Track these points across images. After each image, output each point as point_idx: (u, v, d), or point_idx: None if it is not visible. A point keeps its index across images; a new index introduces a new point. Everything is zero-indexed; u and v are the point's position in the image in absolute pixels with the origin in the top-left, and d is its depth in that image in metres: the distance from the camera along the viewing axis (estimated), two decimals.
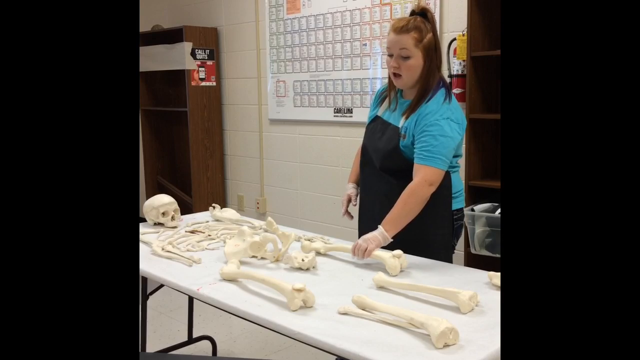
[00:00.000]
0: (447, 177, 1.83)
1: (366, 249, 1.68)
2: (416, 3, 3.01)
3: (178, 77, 4.30)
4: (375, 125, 1.96)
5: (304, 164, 3.74)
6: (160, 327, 3.02)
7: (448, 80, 2.57)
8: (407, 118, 1.83)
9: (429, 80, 1.80)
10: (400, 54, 1.77)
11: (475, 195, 2.56)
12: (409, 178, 1.78)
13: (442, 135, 1.74)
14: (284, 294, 1.38)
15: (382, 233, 1.71)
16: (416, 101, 1.82)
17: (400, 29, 1.77)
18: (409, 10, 2.99)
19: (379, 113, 1.97)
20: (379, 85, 3.21)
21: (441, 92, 1.82)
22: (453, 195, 1.89)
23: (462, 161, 1.99)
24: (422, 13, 1.80)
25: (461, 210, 1.95)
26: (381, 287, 1.49)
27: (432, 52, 1.78)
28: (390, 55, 1.81)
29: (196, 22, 4.27)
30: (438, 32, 1.86)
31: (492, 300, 1.38)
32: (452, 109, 1.79)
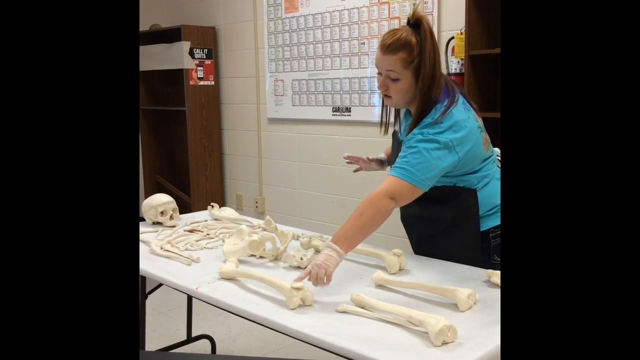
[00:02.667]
0: (472, 196, 1.66)
1: (325, 273, 1.42)
2: (414, 7, 3.00)
3: (176, 77, 4.30)
4: (393, 142, 1.87)
5: (303, 163, 3.74)
6: (159, 326, 3.02)
7: None
8: (407, 135, 1.65)
9: (427, 97, 1.60)
10: (389, 75, 1.61)
11: None
12: (424, 199, 1.60)
13: (418, 152, 1.54)
14: (282, 292, 1.38)
15: (335, 250, 1.45)
16: (416, 119, 1.63)
17: (387, 47, 1.58)
18: (407, 9, 3.00)
19: (396, 127, 1.85)
20: (377, 84, 3.21)
21: (439, 106, 1.59)
22: (487, 213, 1.69)
23: None
24: (416, 24, 1.58)
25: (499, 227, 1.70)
26: (380, 286, 1.49)
27: (426, 70, 1.57)
28: (380, 74, 1.65)
29: (194, 21, 4.26)
30: (436, 35, 1.66)
31: (490, 298, 1.38)
32: (442, 127, 1.56)
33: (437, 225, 1.74)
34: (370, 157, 1.97)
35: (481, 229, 1.70)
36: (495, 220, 1.70)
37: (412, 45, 1.56)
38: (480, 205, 1.68)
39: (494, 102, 2.67)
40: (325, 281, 1.42)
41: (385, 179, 1.56)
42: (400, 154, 1.60)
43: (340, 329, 1.23)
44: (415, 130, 1.60)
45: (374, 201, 1.52)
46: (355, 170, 2.04)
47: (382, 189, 1.53)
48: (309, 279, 1.43)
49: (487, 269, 1.63)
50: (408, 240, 1.94)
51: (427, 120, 1.59)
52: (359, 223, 1.50)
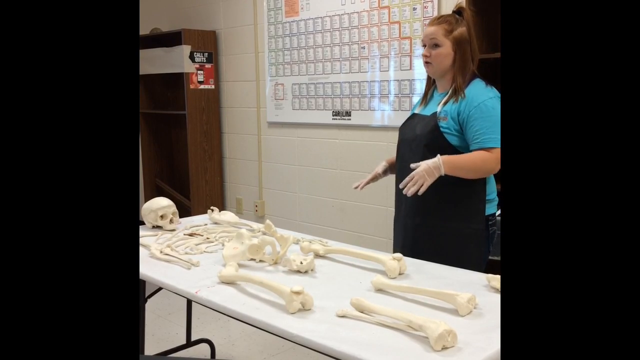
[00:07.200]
0: (481, 179, 1.89)
1: (422, 184, 1.73)
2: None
3: (177, 80, 4.30)
4: (411, 121, 2.04)
5: (303, 166, 3.74)
6: (159, 330, 3.02)
7: None
8: (444, 104, 1.91)
9: (461, 71, 1.90)
10: (431, 42, 1.91)
11: None
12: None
13: (491, 115, 1.81)
14: (282, 296, 1.38)
15: (438, 165, 1.74)
16: (452, 90, 1.91)
17: (433, 21, 1.95)
18: (407, 14, 3.01)
19: (416, 111, 2.06)
20: (377, 88, 3.21)
21: (478, 80, 1.91)
22: (490, 199, 1.93)
23: None
24: (458, 11, 1.95)
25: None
26: (379, 290, 1.49)
27: (463, 45, 1.89)
28: (424, 46, 1.95)
29: (195, 25, 4.27)
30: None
31: (490, 303, 1.38)
32: (495, 90, 1.89)
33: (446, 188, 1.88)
34: (380, 171, 2.17)
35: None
36: (492, 209, 1.94)
37: (452, 22, 1.90)
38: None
39: None
40: (418, 189, 1.73)
41: (496, 150, 1.79)
42: (472, 123, 1.82)
43: (339, 334, 1.22)
44: (474, 98, 1.84)
45: (488, 161, 1.79)
46: (361, 187, 2.15)
47: (495, 156, 1.78)
48: (402, 186, 1.76)
49: (483, 259, 1.89)
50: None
51: (474, 86, 1.88)
52: (469, 164, 1.80)
